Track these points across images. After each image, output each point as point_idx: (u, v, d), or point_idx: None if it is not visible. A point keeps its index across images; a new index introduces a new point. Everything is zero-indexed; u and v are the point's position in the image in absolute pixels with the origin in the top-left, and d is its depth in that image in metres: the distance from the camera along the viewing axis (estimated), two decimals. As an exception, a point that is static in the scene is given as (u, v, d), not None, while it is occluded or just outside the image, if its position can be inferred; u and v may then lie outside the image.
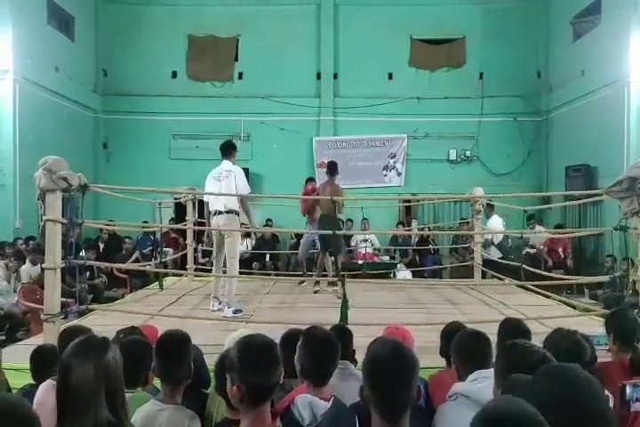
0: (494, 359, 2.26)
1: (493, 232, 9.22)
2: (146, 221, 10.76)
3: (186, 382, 2.53)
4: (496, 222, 9.42)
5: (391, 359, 1.88)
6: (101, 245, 10.82)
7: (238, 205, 6.04)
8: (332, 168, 7.64)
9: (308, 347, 2.46)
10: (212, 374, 2.97)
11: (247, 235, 11.65)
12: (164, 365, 2.51)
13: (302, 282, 7.95)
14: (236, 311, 5.78)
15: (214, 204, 6.06)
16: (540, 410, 1.36)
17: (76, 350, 1.79)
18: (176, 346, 2.56)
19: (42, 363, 2.95)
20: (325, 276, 7.60)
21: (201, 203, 7.10)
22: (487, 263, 8.36)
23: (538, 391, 1.47)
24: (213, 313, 5.86)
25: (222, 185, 6.01)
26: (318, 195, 7.40)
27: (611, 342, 3.06)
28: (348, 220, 11.68)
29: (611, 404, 2.44)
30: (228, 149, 6.29)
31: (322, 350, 2.45)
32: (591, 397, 1.44)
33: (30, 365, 3.08)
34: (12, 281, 8.05)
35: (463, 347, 2.61)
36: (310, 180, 8.93)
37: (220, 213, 5.97)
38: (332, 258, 7.50)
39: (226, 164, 6.19)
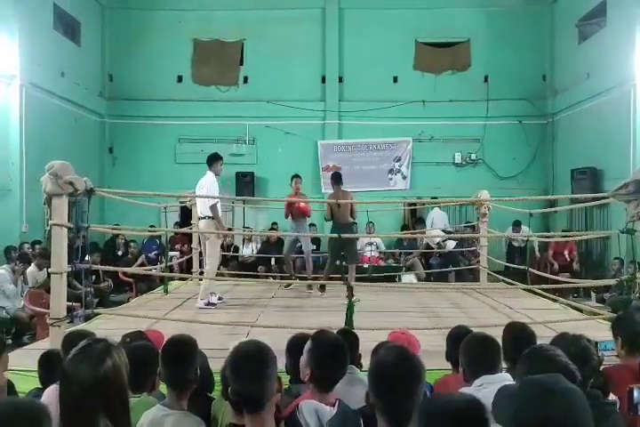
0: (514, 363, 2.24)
1: (499, 235, 9.20)
2: (153, 226, 10.78)
3: (192, 387, 2.52)
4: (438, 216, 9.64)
5: (397, 366, 1.87)
6: (119, 252, 10.98)
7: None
8: (336, 178, 7.60)
9: (317, 352, 2.42)
10: (217, 379, 2.97)
11: (250, 239, 11.80)
12: (170, 370, 2.50)
13: (289, 285, 8.01)
14: (207, 304, 6.54)
15: (198, 211, 6.93)
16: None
17: (74, 358, 1.79)
18: (183, 351, 2.55)
19: (49, 368, 2.95)
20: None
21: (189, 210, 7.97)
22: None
23: (517, 409, 1.47)
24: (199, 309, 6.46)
25: (200, 194, 6.79)
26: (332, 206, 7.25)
27: (618, 347, 3.03)
28: (353, 223, 11.64)
29: (618, 408, 2.43)
30: (210, 161, 6.92)
31: (331, 355, 2.41)
32: (568, 411, 1.42)
33: (38, 369, 3.09)
34: (19, 284, 8.07)
35: (472, 350, 2.59)
36: (296, 176, 8.62)
37: (201, 218, 6.80)
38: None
39: (206, 175, 6.84)
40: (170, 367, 2.50)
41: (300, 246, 8.66)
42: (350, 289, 5.28)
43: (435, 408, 1.48)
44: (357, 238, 10.98)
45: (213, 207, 6.55)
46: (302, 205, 8.06)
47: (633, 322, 3.05)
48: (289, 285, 8.02)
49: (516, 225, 10.69)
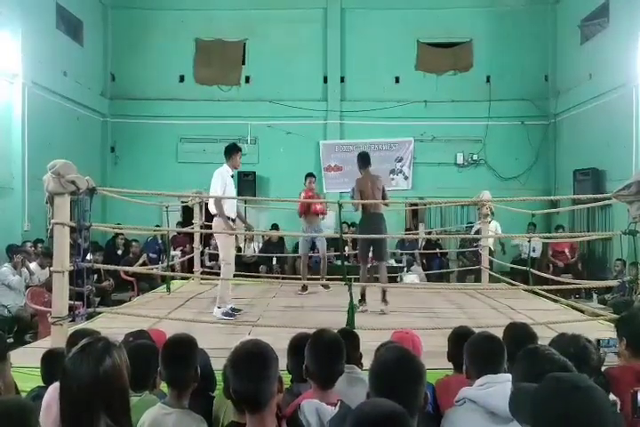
0: (514, 363, 2.24)
1: (499, 236, 9.20)
2: (158, 225, 10.79)
3: (192, 385, 2.52)
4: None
5: (397, 366, 1.88)
6: (119, 252, 10.97)
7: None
8: (363, 159, 6.62)
9: (313, 349, 2.48)
10: (219, 378, 2.97)
11: (252, 238, 11.79)
12: (170, 369, 2.50)
13: (306, 288, 7.71)
14: (225, 314, 5.84)
15: (197, 210, 6.44)
16: (540, 422, 1.43)
17: (74, 357, 1.79)
18: (183, 350, 2.55)
19: (52, 366, 2.95)
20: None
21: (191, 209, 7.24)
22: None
23: (538, 404, 1.46)
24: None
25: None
26: (361, 191, 6.43)
27: (622, 347, 3.01)
28: (353, 223, 11.67)
29: (619, 409, 2.42)
30: (227, 152, 6.26)
31: (326, 351, 2.46)
32: (591, 410, 1.41)
33: (41, 368, 3.09)
34: (23, 275, 8.09)
35: (477, 350, 2.58)
36: (310, 175, 8.20)
37: (214, 216, 6.13)
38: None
39: (221, 167, 6.20)
40: (170, 366, 2.50)
41: (313, 247, 8.18)
42: (350, 287, 5.20)
43: (360, 415, 1.57)
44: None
45: (217, 203, 5.96)
46: (318, 206, 7.69)
47: (638, 322, 3.03)
48: (305, 288, 7.65)
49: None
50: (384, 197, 6.43)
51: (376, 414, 1.55)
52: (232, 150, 6.24)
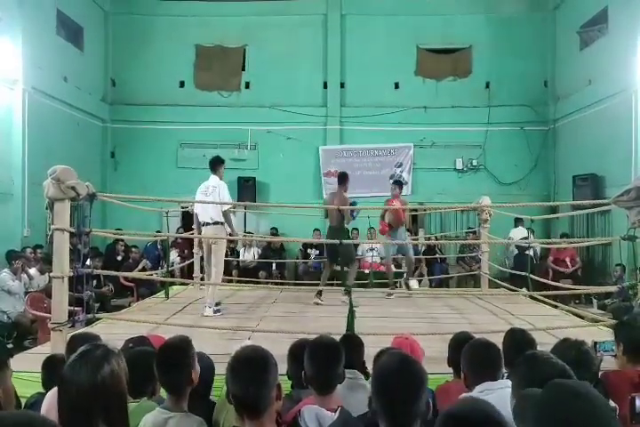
0: (512, 369, 2.24)
1: (498, 242, 9.20)
2: (159, 231, 10.78)
3: (189, 388, 2.52)
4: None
5: (399, 372, 1.88)
6: (119, 258, 10.94)
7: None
8: (340, 178, 7.62)
9: (310, 354, 2.50)
10: (220, 383, 2.97)
11: (251, 244, 11.78)
12: (164, 373, 2.50)
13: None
14: (215, 311, 6.41)
15: (203, 216, 6.60)
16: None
17: (72, 364, 1.79)
18: (175, 356, 2.54)
19: (53, 372, 2.95)
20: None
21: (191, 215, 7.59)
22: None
23: (541, 410, 1.46)
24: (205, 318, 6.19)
25: (210, 199, 6.53)
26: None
27: (620, 352, 3.01)
28: (354, 229, 11.68)
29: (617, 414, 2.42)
30: (215, 165, 6.74)
31: (322, 356, 2.47)
32: (592, 416, 1.42)
33: (42, 374, 3.09)
34: (23, 280, 8.08)
35: (474, 356, 2.59)
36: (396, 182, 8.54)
37: (208, 224, 6.55)
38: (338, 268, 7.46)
39: (212, 179, 6.66)
40: (165, 373, 2.50)
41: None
42: (349, 293, 5.27)
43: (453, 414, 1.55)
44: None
45: (227, 213, 6.45)
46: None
47: (636, 328, 3.03)
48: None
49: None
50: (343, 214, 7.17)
51: (469, 412, 1.55)
52: (218, 163, 6.73)
